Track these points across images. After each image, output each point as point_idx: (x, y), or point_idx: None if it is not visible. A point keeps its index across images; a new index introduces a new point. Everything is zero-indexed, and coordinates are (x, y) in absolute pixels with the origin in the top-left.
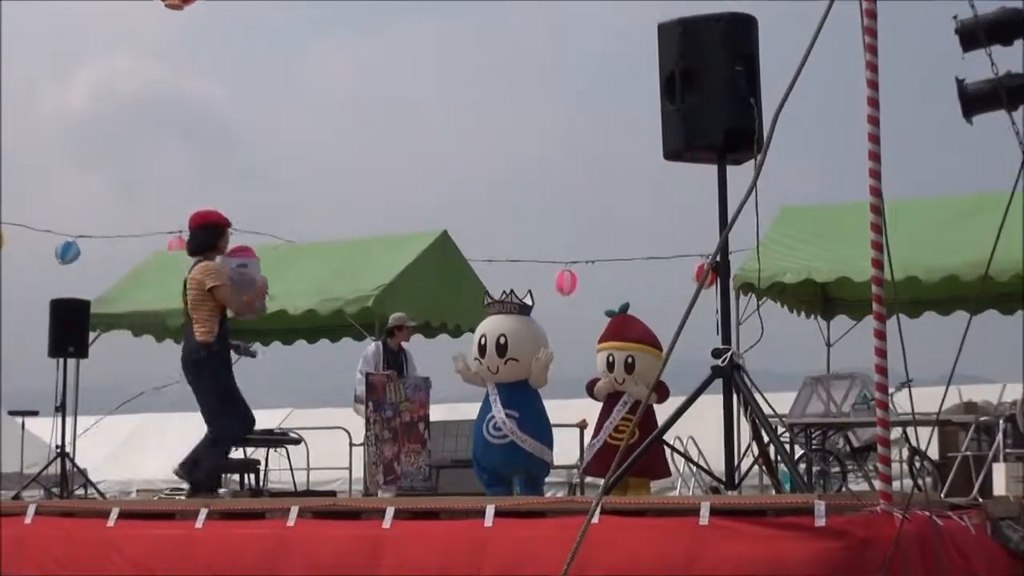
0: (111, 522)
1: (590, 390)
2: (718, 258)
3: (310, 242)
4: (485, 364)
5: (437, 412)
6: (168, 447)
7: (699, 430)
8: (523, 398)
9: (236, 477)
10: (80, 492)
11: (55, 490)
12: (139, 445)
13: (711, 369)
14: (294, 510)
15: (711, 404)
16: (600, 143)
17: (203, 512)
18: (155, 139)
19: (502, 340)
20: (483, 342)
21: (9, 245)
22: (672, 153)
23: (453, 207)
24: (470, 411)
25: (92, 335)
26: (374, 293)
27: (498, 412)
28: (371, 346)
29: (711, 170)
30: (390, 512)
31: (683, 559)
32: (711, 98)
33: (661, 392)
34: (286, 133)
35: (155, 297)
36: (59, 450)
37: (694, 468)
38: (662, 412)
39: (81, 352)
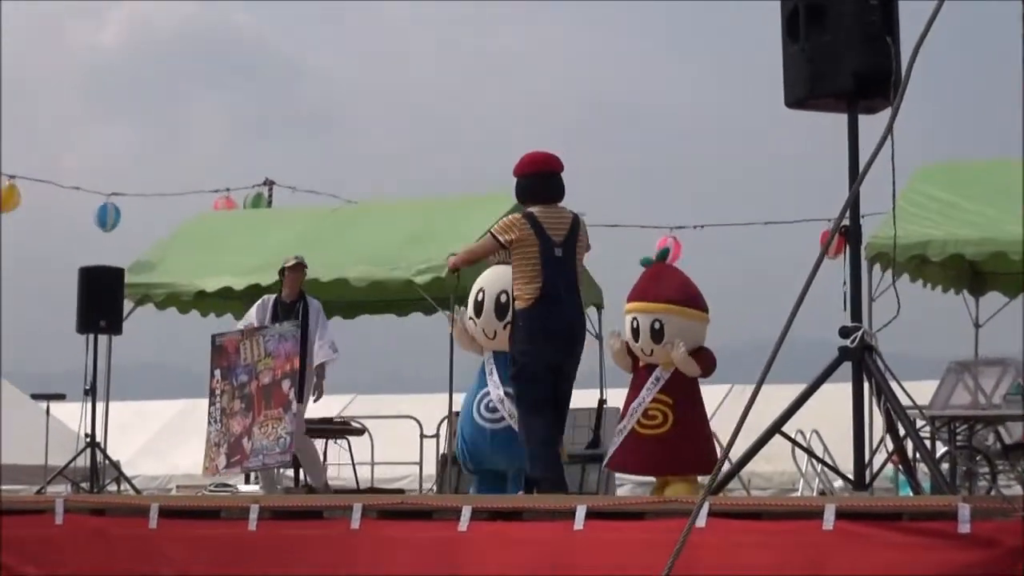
0: (153, 522)
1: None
2: (846, 221)
3: (375, 202)
4: (480, 326)
5: None
6: None
7: (824, 422)
8: None
9: (290, 472)
10: (112, 488)
11: (84, 485)
12: (178, 434)
13: (838, 351)
14: (357, 509)
15: (838, 392)
16: (712, 89)
17: (255, 510)
18: (197, 82)
19: (503, 298)
20: (480, 298)
21: (33, 204)
22: (795, 100)
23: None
24: (576, 398)
25: (126, 308)
26: (447, 261)
27: (494, 388)
28: (259, 300)
29: (840, 120)
30: (466, 512)
31: (804, 568)
32: (840, 37)
33: (705, 363)
34: (351, 77)
35: (199, 264)
36: (88, 439)
37: (818, 465)
38: (767, 399)
39: (114, 327)
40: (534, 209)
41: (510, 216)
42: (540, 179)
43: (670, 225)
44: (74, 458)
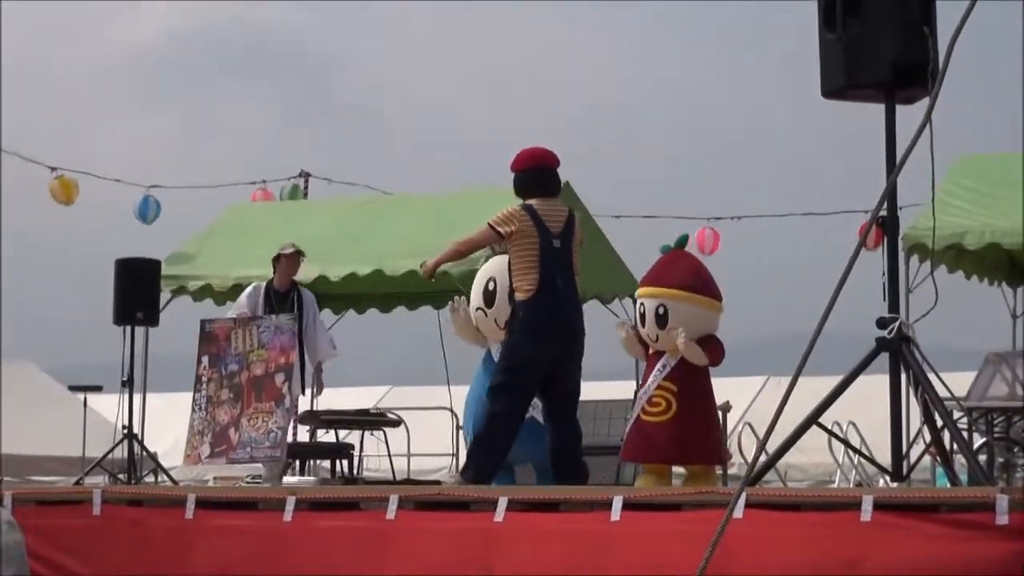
0: (190, 513)
1: None
2: (883, 211)
3: (411, 193)
4: (492, 316)
5: None
6: None
7: (861, 414)
8: None
9: (327, 464)
10: (149, 479)
11: (121, 476)
12: None
13: (876, 341)
14: (393, 500)
15: (875, 384)
16: (748, 80)
17: (291, 501)
18: (234, 76)
19: None
20: (491, 287)
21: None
22: (832, 91)
23: (575, 153)
24: (613, 390)
25: (163, 300)
26: (484, 252)
27: None
28: (248, 288)
29: (878, 110)
30: (503, 503)
31: (842, 560)
32: (877, 26)
33: (713, 351)
34: (386, 70)
35: (235, 256)
36: (126, 431)
37: (855, 457)
38: (802, 390)
39: (151, 319)
40: (532, 202)
41: (509, 208)
42: (537, 174)
43: (707, 216)
44: (111, 449)
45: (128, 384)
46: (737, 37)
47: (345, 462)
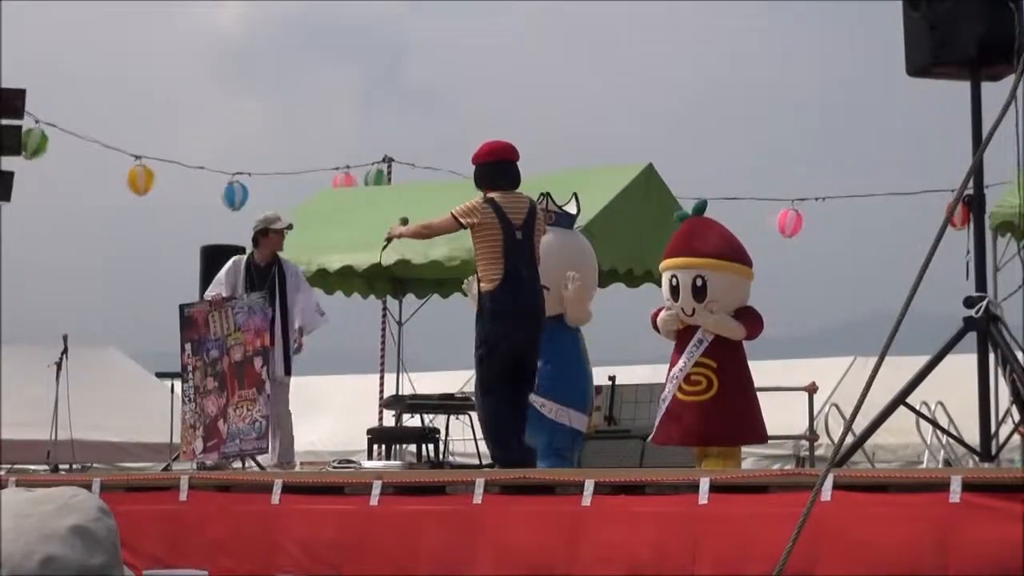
0: (276, 498)
1: (655, 324)
2: (969, 189)
3: None
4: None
5: (637, 374)
6: (334, 413)
7: (949, 394)
8: (556, 341)
9: (413, 448)
10: (236, 464)
11: (208, 462)
12: (300, 410)
13: (963, 321)
14: (480, 484)
15: (963, 363)
16: (832, 57)
17: (377, 486)
18: (315, 61)
19: None
20: None
21: (157, 184)
22: (917, 68)
23: (657, 135)
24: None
25: None
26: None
27: None
28: (228, 263)
29: (964, 88)
30: (589, 486)
31: (931, 541)
32: (962, 3)
33: (751, 324)
34: (468, 52)
35: (319, 242)
36: None
37: (943, 437)
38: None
39: None
40: (494, 195)
41: (473, 201)
42: (498, 167)
43: (791, 197)
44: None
45: None
46: (821, 15)
47: (431, 446)
